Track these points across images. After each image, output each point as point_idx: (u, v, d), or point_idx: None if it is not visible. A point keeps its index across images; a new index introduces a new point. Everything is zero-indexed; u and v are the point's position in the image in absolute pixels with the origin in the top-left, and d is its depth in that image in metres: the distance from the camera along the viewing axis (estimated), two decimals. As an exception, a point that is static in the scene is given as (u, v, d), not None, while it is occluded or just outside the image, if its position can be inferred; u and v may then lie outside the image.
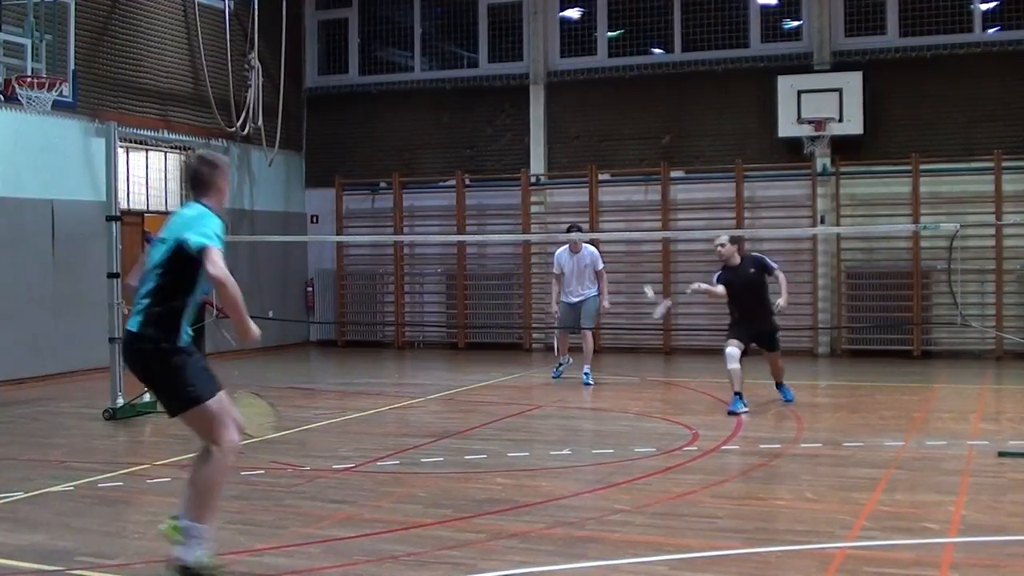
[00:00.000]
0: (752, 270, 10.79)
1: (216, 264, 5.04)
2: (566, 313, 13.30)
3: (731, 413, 10.27)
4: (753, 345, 10.87)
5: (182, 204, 5.64)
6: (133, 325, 5.25)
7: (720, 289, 10.70)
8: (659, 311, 11.43)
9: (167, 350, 5.17)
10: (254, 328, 5.19)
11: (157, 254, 5.29)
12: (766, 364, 11.03)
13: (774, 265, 11.00)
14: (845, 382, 13.77)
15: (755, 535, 6.07)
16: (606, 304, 13.37)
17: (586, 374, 12.98)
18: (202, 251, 5.08)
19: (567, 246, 13.27)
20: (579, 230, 14.13)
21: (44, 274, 13.95)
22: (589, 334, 13.16)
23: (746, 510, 6.70)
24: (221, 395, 5.26)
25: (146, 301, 5.23)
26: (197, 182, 5.45)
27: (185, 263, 5.18)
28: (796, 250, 16.90)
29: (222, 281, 5.02)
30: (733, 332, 10.70)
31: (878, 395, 12.13)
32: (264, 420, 5.99)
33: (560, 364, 13.73)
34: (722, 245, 10.79)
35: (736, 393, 10.38)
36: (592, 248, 13.42)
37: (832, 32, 16.68)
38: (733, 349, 10.44)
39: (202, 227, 5.16)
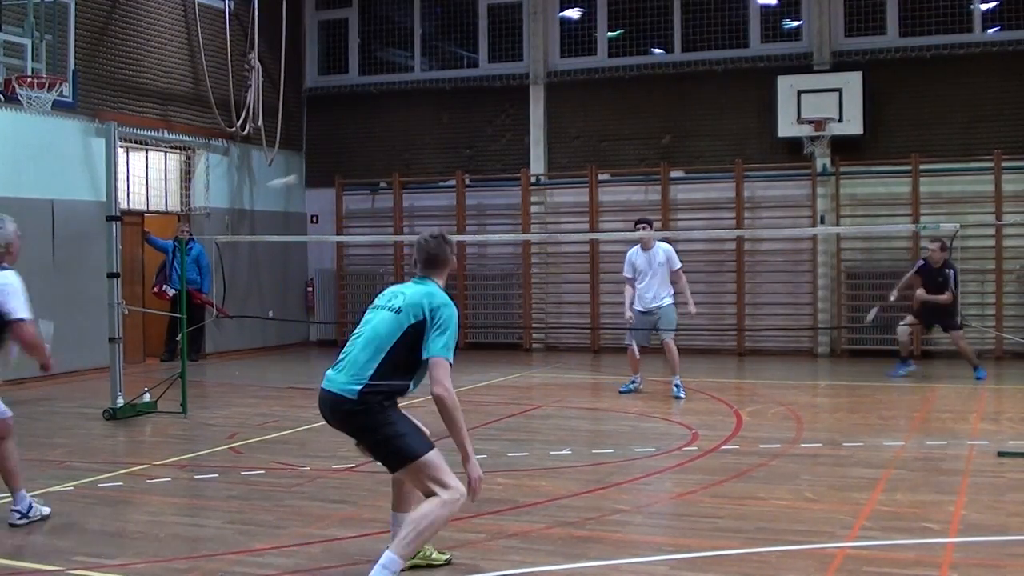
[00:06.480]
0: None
1: (441, 383, 4.95)
2: (640, 322, 11.98)
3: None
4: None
5: (410, 279, 5.51)
6: (346, 389, 5.04)
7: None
8: (871, 315, 13.64)
9: (385, 409, 5.08)
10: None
11: (384, 325, 5.16)
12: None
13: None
14: (845, 382, 13.76)
15: (755, 535, 6.07)
16: (692, 309, 11.96)
17: (677, 386, 11.83)
18: (432, 362, 5.02)
19: (638, 245, 11.99)
20: (648, 224, 12.38)
21: (44, 274, 13.90)
22: (671, 343, 11.89)
23: (746, 510, 6.69)
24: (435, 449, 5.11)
25: (369, 373, 5.04)
26: (433, 261, 5.38)
27: (415, 346, 5.09)
28: (796, 250, 16.91)
29: (443, 399, 4.94)
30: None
31: (878, 395, 12.13)
32: None
33: (633, 381, 12.30)
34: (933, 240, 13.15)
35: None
36: (667, 245, 12.14)
37: (832, 32, 16.67)
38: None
39: (444, 332, 5.06)
